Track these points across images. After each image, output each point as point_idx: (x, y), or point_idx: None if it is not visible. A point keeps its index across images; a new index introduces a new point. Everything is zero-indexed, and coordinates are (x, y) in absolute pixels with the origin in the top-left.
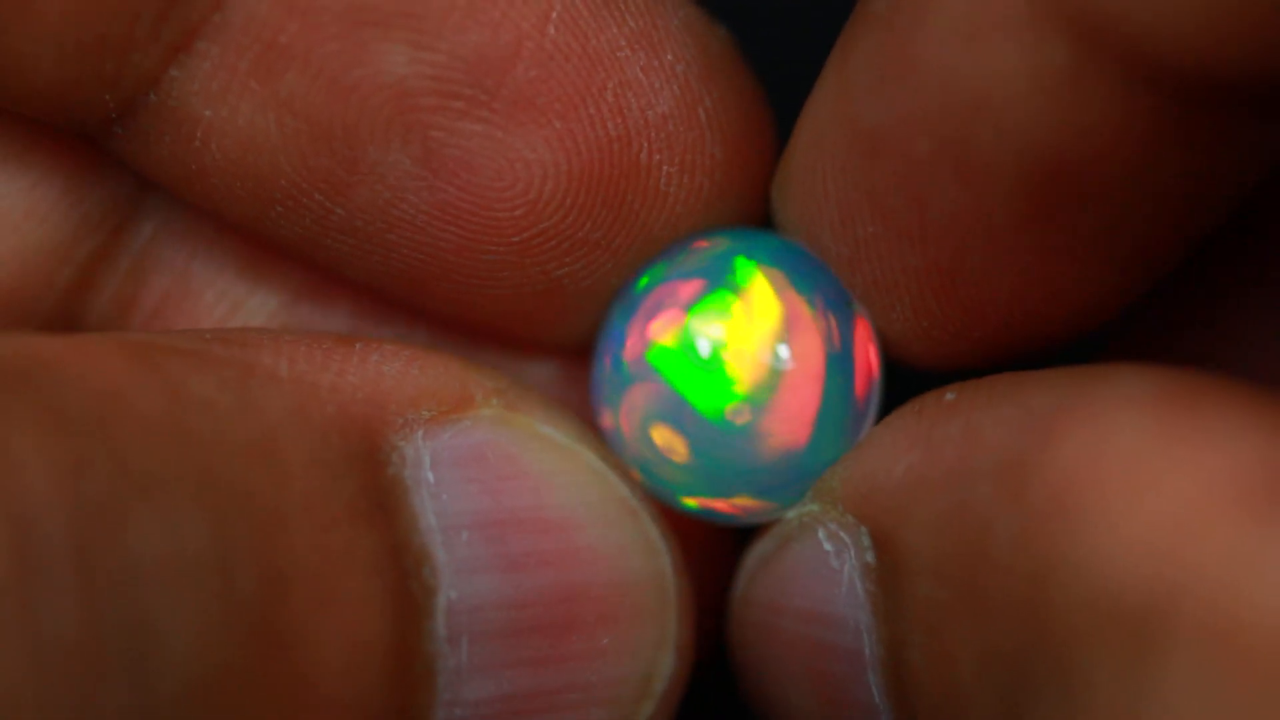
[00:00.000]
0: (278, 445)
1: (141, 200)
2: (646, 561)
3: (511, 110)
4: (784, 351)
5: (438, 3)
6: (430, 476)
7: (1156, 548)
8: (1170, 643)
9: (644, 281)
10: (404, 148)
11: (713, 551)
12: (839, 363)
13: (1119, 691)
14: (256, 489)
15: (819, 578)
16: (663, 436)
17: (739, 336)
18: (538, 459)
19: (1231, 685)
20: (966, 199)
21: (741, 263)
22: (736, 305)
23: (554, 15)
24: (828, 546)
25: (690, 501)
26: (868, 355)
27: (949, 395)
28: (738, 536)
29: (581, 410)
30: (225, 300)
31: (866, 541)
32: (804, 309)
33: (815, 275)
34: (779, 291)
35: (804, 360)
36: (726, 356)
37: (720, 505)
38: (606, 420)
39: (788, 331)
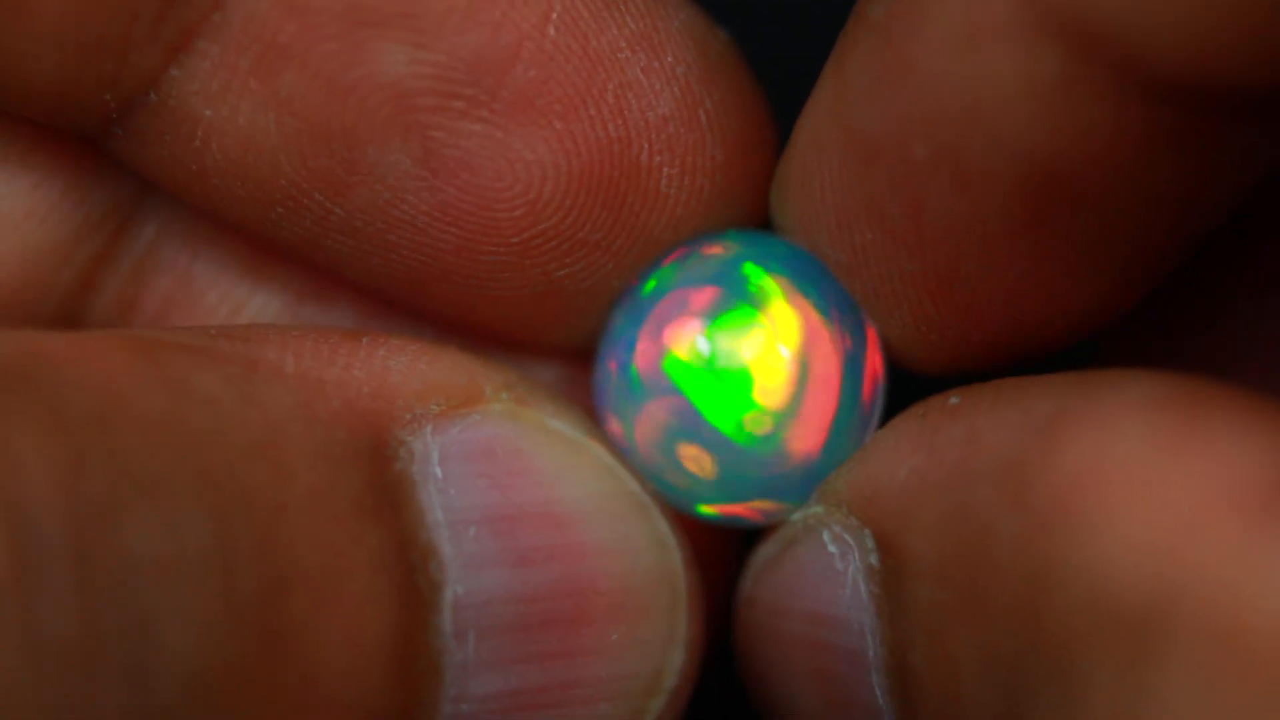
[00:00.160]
0: (281, 441)
1: (143, 201)
2: (656, 557)
3: (511, 111)
4: (806, 365)
5: (437, 3)
6: (438, 471)
7: (1157, 550)
8: (1170, 644)
9: (650, 286)
10: (403, 148)
11: (717, 552)
12: (851, 369)
13: (1119, 692)
14: (259, 486)
15: (823, 580)
16: (690, 454)
17: (762, 352)
18: (547, 453)
19: (1231, 687)
20: (962, 205)
21: (752, 270)
22: (756, 319)
23: (554, 16)
24: (832, 549)
25: (708, 509)
26: (874, 359)
27: (953, 399)
28: (743, 537)
29: (586, 412)
30: (228, 302)
31: (870, 544)
32: (818, 318)
33: (822, 280)
34: (792, 301)
35: (822, 370)
36: (752, 372)
37: (739, 510)
38: (614, 428)
39: (808, 344)
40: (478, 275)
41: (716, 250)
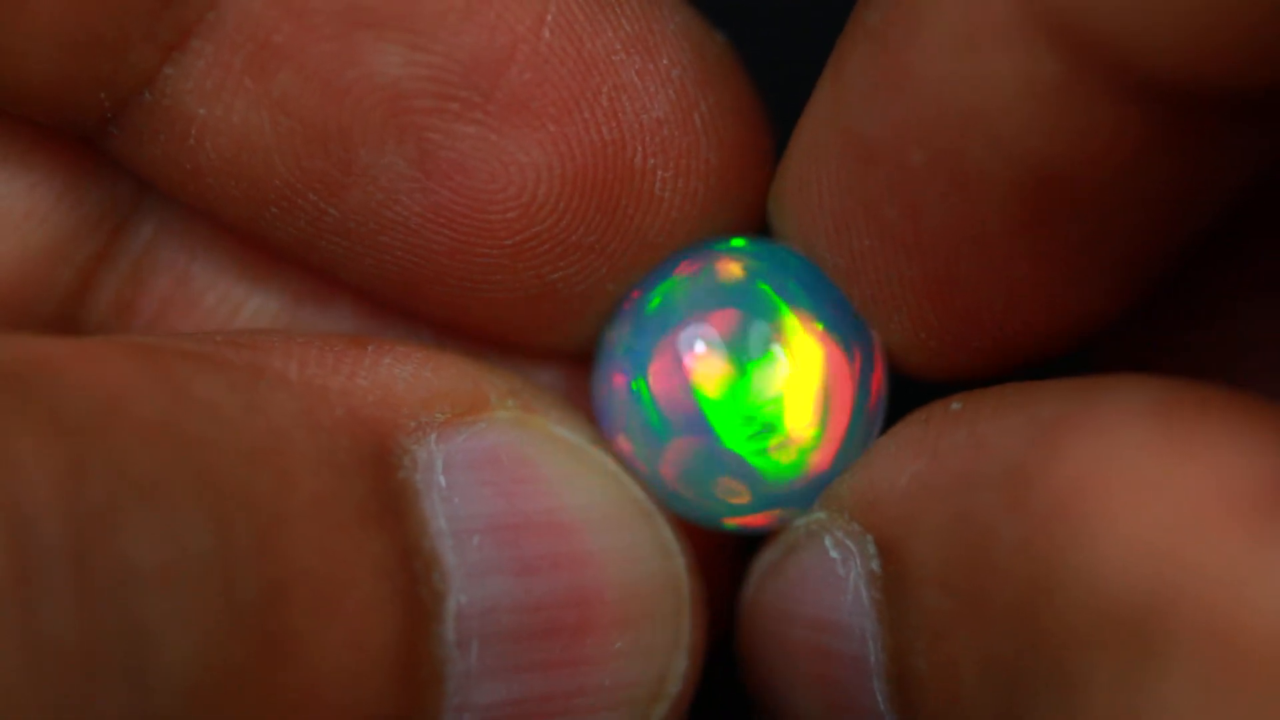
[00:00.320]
0: (284, 448)
1: (140, 201)
2: (661, 564)
3: (506, 113)
4: (829, 394)
5: (432, 5)
6: (442, 480)
7: (1157, 552)
8: (1170, 646)
9: (657, 302)
10: (398, 149)
11: (718, 557)
12: (862, 385)
13: (1118, 694)
14: (261, 492)
15: (825, 585)
16: (725, 486)
17: (789, 387)
18: (552, 461)
19: (1231, 688)
20: (960, 208)
21: (767, 291)
22: (781, 353)
23: (549, 18)
24: (834, 554)
25: (732, 523)
26: (878, 369)
27: (955, 405)
28: (744, 542)
29: (586, 418)
30: (226, 303)
31: (872, 549)
32: (834, 344)
33: (831, 294)
34: (810, 329)
35: (841, 395)
36: (782, 408)
37: (759, 520)
38: (624, 447)
39: (829, 375)
40: (471, 277)
41: (727, 266)
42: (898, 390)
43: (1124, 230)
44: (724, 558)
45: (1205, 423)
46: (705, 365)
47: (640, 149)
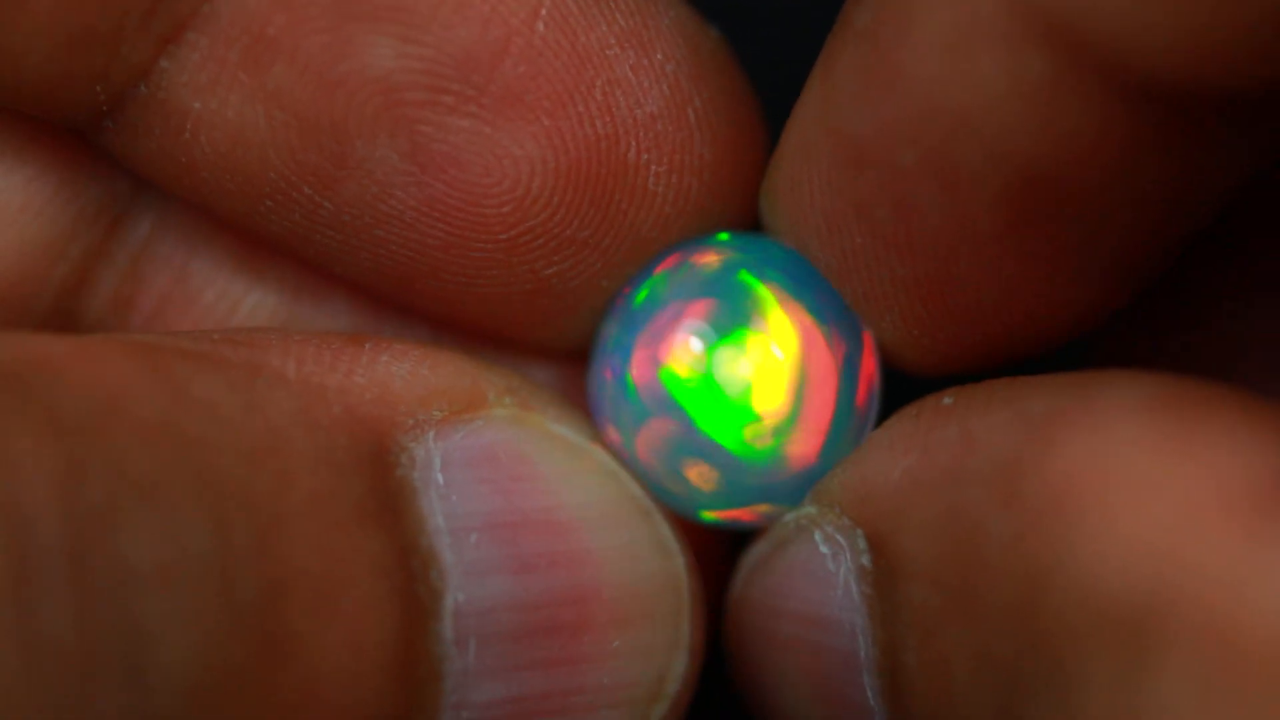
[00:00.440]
0: (282, 447)
1: (138, 197)
2: (660, 563)
3: (500, 106)
4: (804, 373)
5: None
6: (440, 478)
7: (1153, 550)
8: (1167, 645)
9: (643, 296)
10: (391, 143)
11: (708, 552)
12: (847, 374)
13: (1115, 693)
14: (259, 491)
15: (815, 580)
16: (693, 468)
17: (761, 365)
18: (550, 459)
19: (1228, 688)
20: (950, 208)
21: (747, 278)
22: (754, 332)
23: (543, 12)
24: (824, 549)
25: (710, 515)
26: (869, 362)
27: (946, 400)
28: (734, 537)
29: (583, 415)
30: (224, 299)
31: (862, 544)
32: (813, 325)
33: (816, 284)
34: (788, 309)
35: (819, 378)
36: (752, 386)
37: (739, 514)
38: (613, 437)
39: (805, 353)
40: (466, 272)
41: (710, 258)
42: (892, 387)
43: (1113, 229)
44: (714, 553)
45: (1203, 420)
46: (680, 349)
47: (634, 144)
